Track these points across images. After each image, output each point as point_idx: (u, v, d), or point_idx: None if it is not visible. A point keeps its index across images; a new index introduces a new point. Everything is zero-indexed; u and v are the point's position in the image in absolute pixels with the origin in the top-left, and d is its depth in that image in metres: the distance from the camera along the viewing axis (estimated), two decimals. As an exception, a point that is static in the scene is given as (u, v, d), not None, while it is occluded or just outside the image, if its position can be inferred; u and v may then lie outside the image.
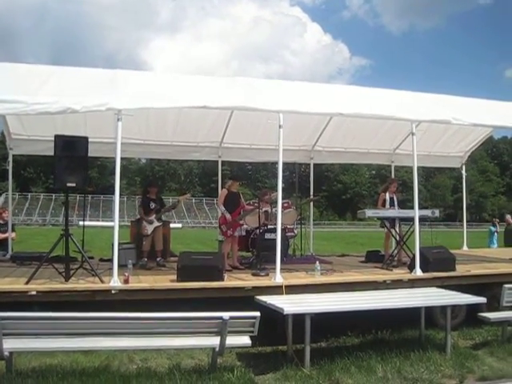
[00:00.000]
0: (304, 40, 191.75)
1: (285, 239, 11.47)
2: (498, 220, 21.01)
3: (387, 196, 11.28)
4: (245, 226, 11.02)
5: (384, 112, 9.68)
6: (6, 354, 6.10)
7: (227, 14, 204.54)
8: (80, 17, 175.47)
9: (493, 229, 19.67)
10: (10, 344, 6.11)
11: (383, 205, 11.26)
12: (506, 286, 8.41)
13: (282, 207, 9.53)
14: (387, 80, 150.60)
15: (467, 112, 10.30)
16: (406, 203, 11.63)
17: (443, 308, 8.26)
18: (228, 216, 10.22)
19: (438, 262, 9.56)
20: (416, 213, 9.60)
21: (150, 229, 10.51)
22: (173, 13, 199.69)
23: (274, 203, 10.97)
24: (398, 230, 10.97)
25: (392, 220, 10.88)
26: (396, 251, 10.94)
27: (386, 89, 11.66)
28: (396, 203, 11.23)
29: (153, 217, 10.59)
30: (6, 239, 12.20)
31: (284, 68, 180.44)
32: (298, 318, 7.15)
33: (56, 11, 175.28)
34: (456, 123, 10.06)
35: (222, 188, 10.80)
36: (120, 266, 8.20)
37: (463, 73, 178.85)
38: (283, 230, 10.88)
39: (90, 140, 8.34)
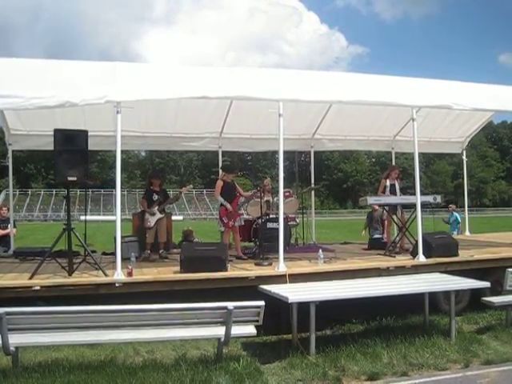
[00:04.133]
0: (300, 30, 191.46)
1: (287, 228, 11.45)
2: (454, 206, 19.14)
3: (388, 183, 11.23)
4: (244, 216, 11.00)
5: (384, 98, 9.62)
6: (12, 349, 6.11)
7: (222, 6, 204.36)
8: (74, 11, 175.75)
9: (454, 217, 18.12)
10: (16, 339, 6.12)
11: (383, 191, 11.23)
12: (510, 270, 8.43)
13: (284, 196, 9.50)
14: (385, 67, 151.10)
15: (467, 97, 10.24)
16: (406, 190, 11.59)
17: (447, 293, 8.28)
18: (229, 206, 10.18)
19: (440, 247, 9.57)
20: (418, 199, 9.59)
21: (152, 221, 10.48)
22: (167, 5, 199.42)
23: (275, 193, 10.96)
24: (399, 216, 10.93)
25: (393, 207, 10.85)
26: (398, 238, 10.92)
27: (384, 75, 11.60)
28: (397, 190, 11.18)
29: (155, 209, 10.55)
30: (7, 235, 12.21)
31: (281, 58, 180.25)
32: (303, 307, 7.16)
33: (50, 6, 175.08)
34: (457, 108, 10.04)
35: (217, 179, 10.77)
36: (123, 259, 8.23)
37: (458, 58, 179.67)
38: (285, 219, 10.86)
39: (89, 134, 8.32)
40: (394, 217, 10.95)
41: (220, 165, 13.19)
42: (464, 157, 15.06)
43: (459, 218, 17.75)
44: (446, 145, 15.09)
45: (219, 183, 10.45)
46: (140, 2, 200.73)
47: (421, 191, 9.74)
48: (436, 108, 10.50)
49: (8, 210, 12.95)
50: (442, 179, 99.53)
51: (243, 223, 11.09)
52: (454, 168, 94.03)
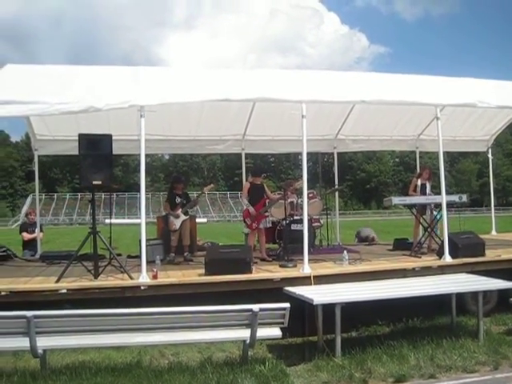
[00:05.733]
0: (321, 31, 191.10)
1: (311, 230, 11.41)
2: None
3: (419, 182, 11.10)
4: (270, 218, 10.99)
5: (407, 97, 9.54)
6: (40, 351, 6.18)
7: (243, 9, 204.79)
8: (95, 18, 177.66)
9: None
10: (43, 342, 6.19)
11: (414, 190, 11.12)
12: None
13: (308, 198, 9.46)
14: (406, 67, 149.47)
15: (492, 94, 10.11)
16: (435, 189, 11.46)
17: (474, 294, 8.14)
18: (251, 209, 10.21)
19: (467, 247, 9.44)
20: (443, 198, 9.49)
21: (177, 223, 10.50)
22: (187, 10, 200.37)
23: (299, 194, 10.92)
24: (428, 217, 10.80)
25: (422, 207, 10.73)
26: (424, 238, 10.80)
27: (407, 74, 11.52)
28: (427, 190, 11.03)
29: (179, 211, 10.59)
30: (34, 239, 12.36)
31: (302, 60, 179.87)
32: (328, 308, 7.12)
33: (72, 13, 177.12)
34: (481, 106, 9.89)
35: (246, 181, 10.82)
36: (148, 262, 8.28)
37: (480, 57, 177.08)
38: (309, 221, 10.82)
39: (113, 138, 8.37)
40: (424, 217, 10.82)
41: (243, 167, 13.20)
42: (489, 155, 14.84)
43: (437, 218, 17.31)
44: (471, 143, 14.88)
45: (246, 185, 10.56)
46: (160, 7, 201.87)
47: (446, 190, 9.62)
48: (460, 106, 10.40)
49: (35, 214, 13.12)
50: (467, 178, 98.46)
51: (270, 225, 11.07)
52: (479, 166, 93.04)
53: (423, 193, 10.97)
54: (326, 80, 10.25)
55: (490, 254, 9.65)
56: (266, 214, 10.55)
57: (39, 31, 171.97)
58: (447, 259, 9.23)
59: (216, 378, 6.17)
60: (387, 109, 11.28)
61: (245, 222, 10.47)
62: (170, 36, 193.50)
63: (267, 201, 10.50)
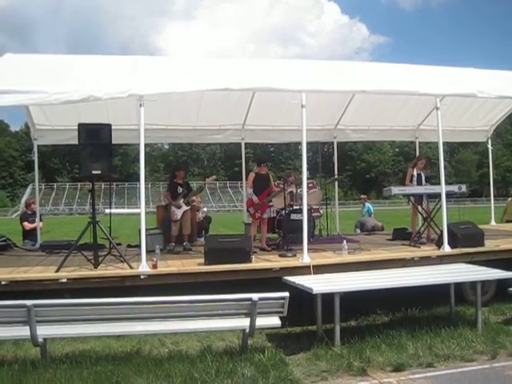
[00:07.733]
0: (321, 21, 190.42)
1: (311, 219, 11.42)
2: (365, 197, 19.15)
3: (415, 172, 11.08)
4: (274, 208, 10.99)
5: (407, 87, 9.52)
6: (40, 340, 6.21)
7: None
8: (94, 6, 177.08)
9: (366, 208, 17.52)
10: (44, 331, 6.21)
11: (410, 181, 11.10)
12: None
13: (307, 187, 9.45)
14: (406, 57, 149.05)
15: (492, 84, 10.07)
16: (430, 180, 11.46)
17: (473, 284, 8.17)
18: (255, 198, 10.19)
19: (466, 237, 9.44)
20: (443, 188, 9.47)
21: (179, 214, 10.52)
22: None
23: (299, 184, 10.92)
24: (425, 206, 10.82)
25: (419, 197, 10.74)
26: (423, 228, 10.81)
27: (407, 64, 11.49)
28: (423, 180, 11.04)
29: (181, 201, 10.59)
30: (34, 229, 12.37)
31: (302, 50, 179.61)
32: (327, 298, 7.14)
33: (71, 2, 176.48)
34: (481, 96, 9.84)
35: (249, 171, 10.81)
36: (148, 251, 8.30)
37: (478, 47, 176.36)
38: (309, 211, 10.82)
39: (113, 127, 8.35)
40: (420, 207, 10.83)
41: (243, 157, 13.20)
42: (489, 145, 14.85)
43: (372, 209, 17.39)
44: (471, 133, 14.86)
45: (251, 175, 10.52)
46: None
47: (445, 181, 9.61)
48: (460, 96, 10.35)
49: (34, 204, 13.13)
50: (467, 168, 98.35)
51: (274, 215, 11.08)
52: (478, 157, 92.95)
53: (419, 183, 10.95)
54: (326, 70, 10.22)
55: (490, 245, 9.65)
56: (270, 203, 10.54)
57: (38, 20, 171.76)
58: (446, 249, 9.24)
59: (216, 366, 6.17)
60: (387, 99, 11.26)
61: (248, 211, 10.46)
62: (169, 25, 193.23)
63: (270, 191, 10.48)
